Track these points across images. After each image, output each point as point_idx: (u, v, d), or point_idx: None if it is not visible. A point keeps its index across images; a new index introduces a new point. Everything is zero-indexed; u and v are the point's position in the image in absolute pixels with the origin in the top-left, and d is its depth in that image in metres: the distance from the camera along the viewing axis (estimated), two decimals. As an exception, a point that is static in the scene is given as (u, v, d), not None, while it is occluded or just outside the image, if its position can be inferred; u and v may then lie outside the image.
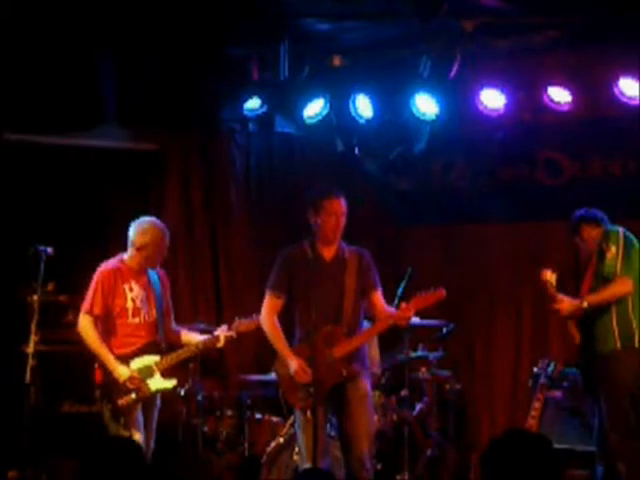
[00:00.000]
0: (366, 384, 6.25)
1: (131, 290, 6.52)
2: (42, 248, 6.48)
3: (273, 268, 6.35)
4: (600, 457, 6.31)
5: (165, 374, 6.51)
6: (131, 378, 6.37)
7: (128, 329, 6.49)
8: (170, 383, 6.55)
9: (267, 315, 6.33)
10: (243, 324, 6.65)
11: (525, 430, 6.92)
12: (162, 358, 6.51)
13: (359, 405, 6.18)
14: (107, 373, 6.40)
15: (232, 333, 6.62)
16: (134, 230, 6.56)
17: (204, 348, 6.65)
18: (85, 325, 6.46)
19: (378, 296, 6.31)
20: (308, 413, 6.09)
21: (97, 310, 6.46)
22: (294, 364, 6.15)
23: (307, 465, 6.08)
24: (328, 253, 6.29)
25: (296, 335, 6.31)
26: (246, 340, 8.19)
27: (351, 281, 6.24)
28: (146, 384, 6.42)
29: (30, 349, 6.37)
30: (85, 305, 6.50)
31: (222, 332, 6.63)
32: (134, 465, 3.90)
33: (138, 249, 6.53)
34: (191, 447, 7.49)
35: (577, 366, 6.50)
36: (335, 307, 6.20)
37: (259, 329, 6.48)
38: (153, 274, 6.64)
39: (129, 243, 6.58)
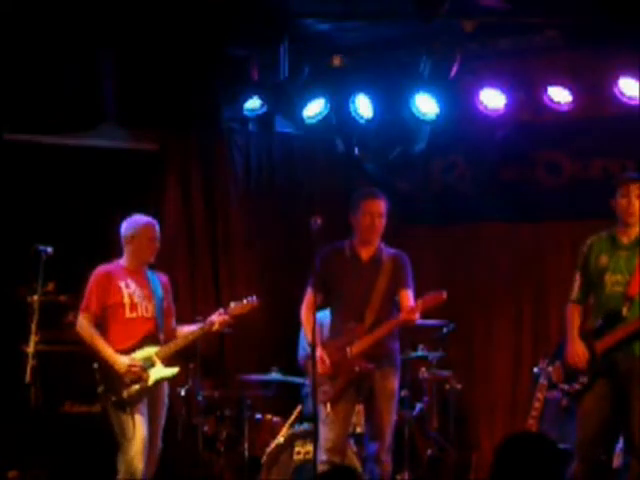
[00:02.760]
0: (393, 382, 6.40)
1: (127, 287, 6.55)
2: (42, 248, 6.50)
3: (313, 266, 6.48)
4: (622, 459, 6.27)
5: (166, 363, 6.54)
6: (132, 367, 6.38)
7: (126, 324, 6.51)
8: (171, 371, 6.57)
9: (304, 309, 6.52)
10: (238, 307, 6.72)
11: (534, 433, 6.92)
12: (161, 347, 6.53)
13: (383, 402, 6.37)
14: (108, 368, 6.41)
15: (226, 317, 6.67)
16: (122, 227, 6.66)
17: (201, 334, 6.70)
18: (83, 323, 6.50)
19: (405, 294, 6.42)
20: (328, 407, 6.28)
21: (94, 308, 6.50)
22: (317, 353, 6.27)
23: (323, 457, 6.22)
24: (365, 253, 6.48)
25: (331, 330, 6.49)
26: (246, 340, 8.22)
27: (383, 283, 6.40)
28: (147, 373, 6.44)
29: (30, 349, 6.38)
30: (82, 304, 6.55)
31: (217, 316, 6.66)
32: None
33: (125, 244, 6.61)
34: (191, 447, 7.49)
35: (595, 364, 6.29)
36: (362, 306, 6.35)
37: (255, 315, 6.67)
38: (154, 278, 6.67)
39: (122, 243, 6.64)
